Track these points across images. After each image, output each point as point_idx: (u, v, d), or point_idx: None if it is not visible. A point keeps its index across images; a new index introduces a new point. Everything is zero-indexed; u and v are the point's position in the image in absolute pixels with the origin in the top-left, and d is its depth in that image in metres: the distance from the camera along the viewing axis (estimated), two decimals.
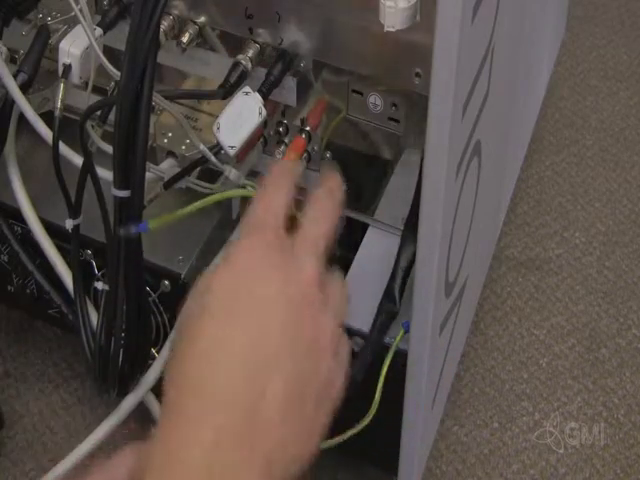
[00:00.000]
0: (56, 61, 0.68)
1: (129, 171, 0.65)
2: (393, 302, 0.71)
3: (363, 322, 0.74)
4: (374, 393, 0.74)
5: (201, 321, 0.47)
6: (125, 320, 0.73)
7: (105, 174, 0.72)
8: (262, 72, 0.68)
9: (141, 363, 0.78)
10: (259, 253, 0.50)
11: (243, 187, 0.73)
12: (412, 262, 0.69)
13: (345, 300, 0.53)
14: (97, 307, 0.80)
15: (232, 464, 0.43)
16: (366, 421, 0.75)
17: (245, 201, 0.81)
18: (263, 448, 0.44)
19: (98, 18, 0.68)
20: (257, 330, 0.47)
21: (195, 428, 0.44)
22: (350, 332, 0.74)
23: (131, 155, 0.64)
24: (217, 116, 0.67)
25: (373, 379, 0.74)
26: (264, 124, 0.70)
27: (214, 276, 0.49)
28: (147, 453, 0.45)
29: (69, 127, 0.71)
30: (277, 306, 0.48)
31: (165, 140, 0.76)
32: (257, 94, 0.67)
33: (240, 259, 0.50)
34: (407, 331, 0.72)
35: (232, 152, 0.67)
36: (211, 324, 0.47)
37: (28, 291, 0.89)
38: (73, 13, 0.64)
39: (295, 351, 0.47)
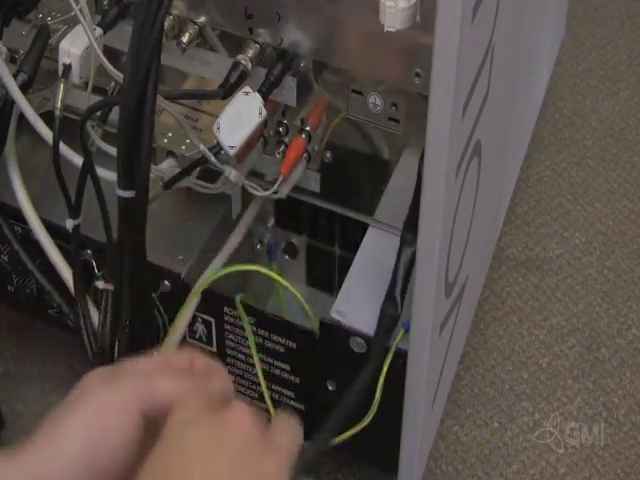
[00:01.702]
0: (56, 61, 0.69)
1: (133, 172, 0.65)
2: (394, 306, 0.71)
3: (363, 323, 0.74)
4: (374, 393, 0.74)
5: None
6: (129, 322, 0.74)
7: (105, 174, 0.72)
8: (262, 72, 0.68)
9: None
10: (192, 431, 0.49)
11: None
12: (412, 264, 0.69)
13: (293, 435, 0.52)
14: (98, 307, 0.80)
15: None
16: (366, 421, 0.75)
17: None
18: None
19: (98, 18, 0.68)
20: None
21: None
22: (351, 333, 0.75)
23: (135, 156, 0.64)
24: (217, 116, 0.67)
25: (373, 379, 0.74)
26: (264, 124, 0.70)
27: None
28: None
29: (69, 127, 0.71)
30: (222, 459, 0.48)
31: (165, 140, 0.76)
32: (257, 94, 0.67)
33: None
34: (407, 331, 0.72)
35: (232, 152, 0.67)
36: None
37: (28, 291, 0.89)
38: (73, 13, 0.64)
39: None
